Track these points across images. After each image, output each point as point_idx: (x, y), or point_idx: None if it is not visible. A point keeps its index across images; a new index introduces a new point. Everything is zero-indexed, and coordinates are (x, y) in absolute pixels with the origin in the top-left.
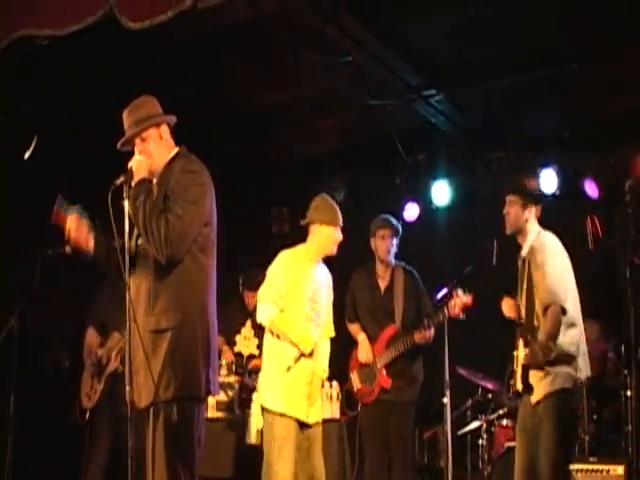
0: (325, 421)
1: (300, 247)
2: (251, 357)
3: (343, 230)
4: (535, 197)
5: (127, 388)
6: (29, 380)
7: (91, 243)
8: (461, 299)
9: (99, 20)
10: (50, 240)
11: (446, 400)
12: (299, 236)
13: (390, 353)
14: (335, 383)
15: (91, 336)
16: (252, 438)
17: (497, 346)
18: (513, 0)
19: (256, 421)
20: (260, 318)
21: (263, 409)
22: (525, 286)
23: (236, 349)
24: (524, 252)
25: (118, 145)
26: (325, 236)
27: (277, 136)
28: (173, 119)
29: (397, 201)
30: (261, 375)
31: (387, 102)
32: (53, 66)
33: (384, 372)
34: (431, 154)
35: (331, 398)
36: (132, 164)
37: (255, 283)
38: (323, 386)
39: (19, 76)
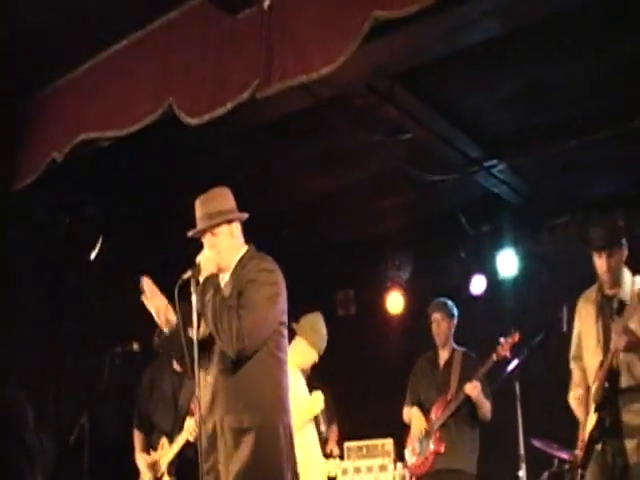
0: None
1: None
2: None
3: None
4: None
5: None
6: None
7: (171, 316)
8: (507, 339)
9: (159, 118)
10: (119, 338)
11: (522, 473)
12: (366, 319)
13: (444, 415)
14: (399, 464)
15: (138, 441)
16: None
17: (571, 413)
18: (571, 62)
19: None
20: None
21: None
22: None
23: None
24: (623, 297)
25: (188, 234)
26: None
27: (340, 218)
28: (245, 216)
29: (463, 275)
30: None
31: (448, 176)
32: (116, 165)
33: (437, 436)
34: (495, 225)
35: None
36: (200, 259)
37: None
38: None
39: (82, 178)
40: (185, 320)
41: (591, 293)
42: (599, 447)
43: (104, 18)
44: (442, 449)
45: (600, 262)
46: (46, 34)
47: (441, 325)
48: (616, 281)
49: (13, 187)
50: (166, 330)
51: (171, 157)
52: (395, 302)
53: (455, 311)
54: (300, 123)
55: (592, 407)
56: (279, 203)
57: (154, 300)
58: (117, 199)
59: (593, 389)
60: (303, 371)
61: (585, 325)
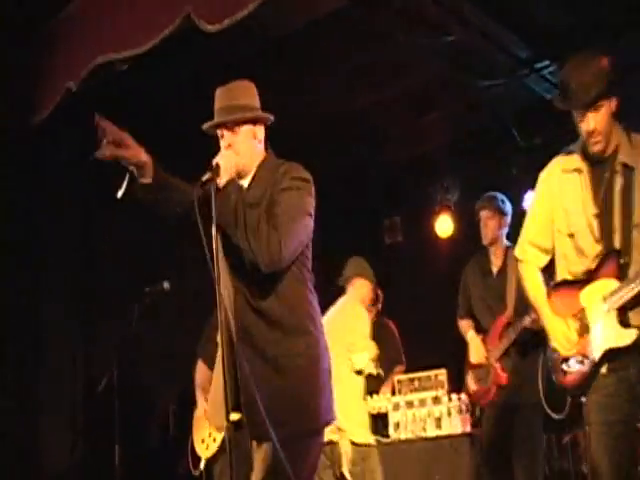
0: (457, 436)
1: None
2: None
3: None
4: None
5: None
6: (134, 429)
7: (148, 162)
8: None
9: (177, 29)
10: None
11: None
12: (414, 245)
13: (502, 344)
14: (463, 396)
15: (202, 372)
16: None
17: None
18: None
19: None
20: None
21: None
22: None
23: None
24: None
25: (204, 126)
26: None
27: (382, 137)
28: (270, 118)
29: (516, 193)
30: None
31: (497, 82)
32: (133, 93)
33: (498, 367)
34: (549, 136)
35: (460, 411)
36: (219, 160)
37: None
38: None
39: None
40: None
41: (568, 160)
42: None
43: None
44: (504, 381)
45: (584, 124)
46: None
47: (489, 224)
48: (609, 141)
49: (32, 121)
50: (145, 179)
51: (194, 77)
52: (444, 226)
53: (507, 207)
54: (331, 30)
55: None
56: (311, 122)
57: (123, 148)
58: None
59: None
60: (364, 304)
61: (565, 198)
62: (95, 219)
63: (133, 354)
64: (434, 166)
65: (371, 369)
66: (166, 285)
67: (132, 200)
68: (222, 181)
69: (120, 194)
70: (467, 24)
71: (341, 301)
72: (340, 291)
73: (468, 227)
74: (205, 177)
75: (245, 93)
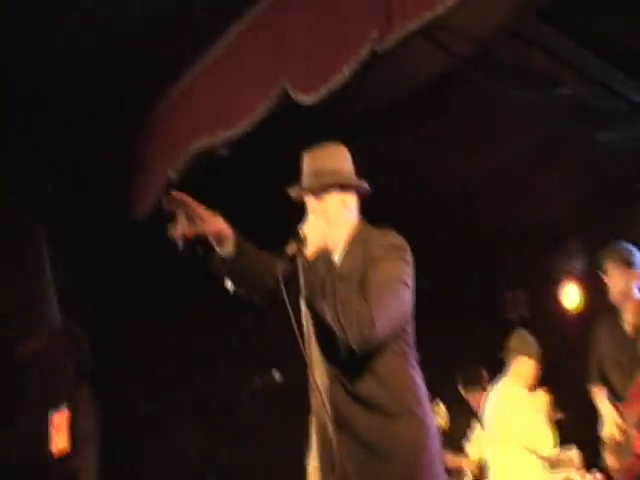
0: None
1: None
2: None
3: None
4: None
5: None
6: None
7: (229, 232)
8: None
9: (272, 105)
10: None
11: None
12: (540, 319)
13: None
14: (599, 475)
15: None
16: None
17: None
18: None
19: None
20: None
21: None
22: None
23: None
24: None
25: (290, 192)
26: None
27: (492, 206)
28: (365, 187)
29: None
30: None
31: (616, 134)
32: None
33: (638, 436)
34: None
35: None
36: (305, 229)
37: (478, 380)
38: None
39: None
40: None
41: None
42: None
43: (203, 18)
44: None
45: None
46: (147, 45)
47: (614, 278)
48: None
49: (136, 216)
50: (225, 251)
51: (289, 151)
52: (572, 296)
53: (637, 258)
54: (433, 92)
55: None
56: (416, 193)
57: (205, 222)
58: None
59: None
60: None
61: None
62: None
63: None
64: (555, 231)
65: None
66: (277, 375)
67: (214, 276)
68: (309, 253)
69: (230, 288)
70: (582, 74)
71: (502, 384)
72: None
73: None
74: (290, 249)
75: (334, 156)
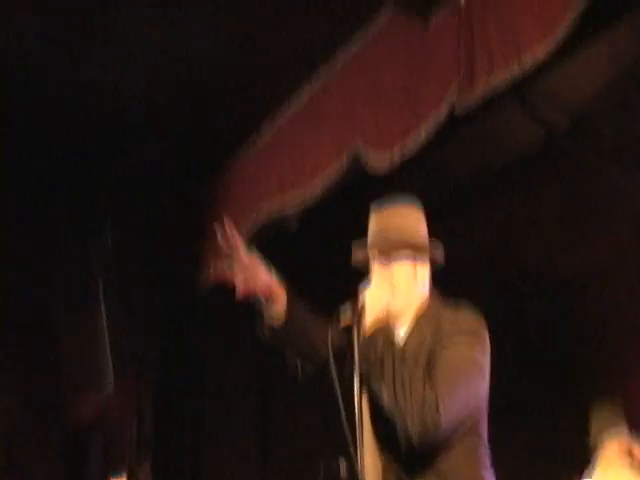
0: None
1: None
2: None
3: None
4: None
5: None
6: None
7: (280, 291)
8: None
9: (344, 170)
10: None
11: None
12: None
13: None
14: None
15: None
16: None
17: None
18: None
19: None
20: None
21: None
22: None
23: None
24: None
25: (354, 256)
26: None
27: (605, 301)
28: (441, 260)
29: None
30: None
31: None
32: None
33: None
34: None
35: None
36: (367, 295)
37: None
38: None
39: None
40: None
41: None
42: None
43: (275, 79)
44: None
45: None
46: (216, 108)
47: None
48: None
49: (202, 281)
50: (273, 316)
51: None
52: None
53: None
54: (527, 167)
55: None
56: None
57: (253, 270)
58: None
59: None
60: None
61: None
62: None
63: None
64: None
65: None
66: (343, 467)
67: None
68: (368, 325)
69: (299, 377)
70: None
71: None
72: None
73: None
74: (345, 318)
75: (408, 216)
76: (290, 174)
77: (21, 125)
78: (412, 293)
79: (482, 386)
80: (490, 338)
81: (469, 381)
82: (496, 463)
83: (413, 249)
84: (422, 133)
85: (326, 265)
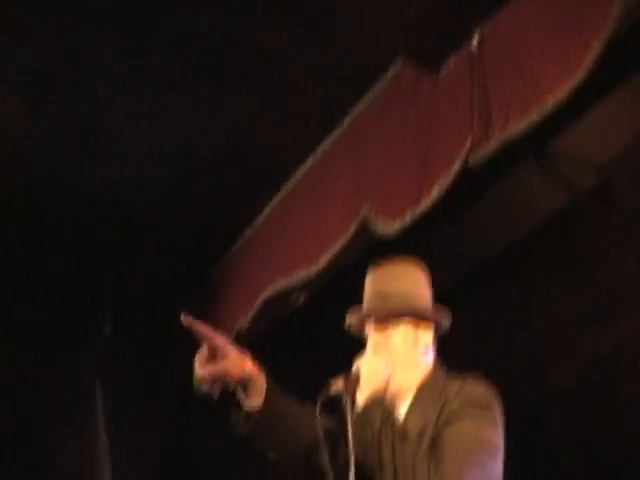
0: None
1: None
2: None
3: None
4: None
5: None
6: None
7: (258, 379)
8: None
9: (352, 238)
10: None
11: None
12: None
13: None
14: None
15: None
16: None
17: None
18: None
19: None
20: None
21: None
22: None
23: None
24: None
25: (348, 320)
26: None
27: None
28: (446, 324)
29: None
30: None
31: None
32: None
33: None
34: None
35: None
36: (361, 368)
37: None
38: None
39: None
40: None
41: None
42: None
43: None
44: None
45: None
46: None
47: None
48: None
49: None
50: (251, 405)
51: None
52: None
53: None
54: (552, 235)
55: None
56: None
57: (227, 360)
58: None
59: None
60: None
61: None
62: None
63: None
64: None
65: None
66: None
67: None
68: (362, 399)
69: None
70: None
71: None
72: None
73: None
74: (335, 387)
75: (408, 276)
76: (295, 256)
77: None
78: (413, 362)
79: (495, 468)
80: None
81: (480, 462)
82: None
83: (414, 318)
84: (433, 193)
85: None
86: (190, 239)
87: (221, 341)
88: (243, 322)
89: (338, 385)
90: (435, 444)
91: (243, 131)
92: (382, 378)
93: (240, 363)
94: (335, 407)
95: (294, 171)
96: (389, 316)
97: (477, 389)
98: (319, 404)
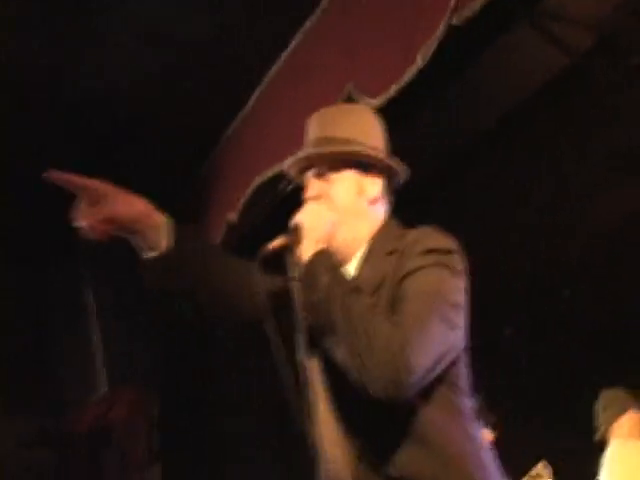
0: None
1: None
2: None
3: None
4: None
5: None
6: None
7: (158, 219)
8: None
9: None
10: None
11: None
12: None
13: None
14: None
15: None
16: None
17: None
18: None
19: None
20: None
21: None
22: None
23: None
24: None
25: (285, 164)
26: None
27: None
28: (400, 172)
29: None
30: None
31: None
32: None
33: None
34: None
35: None
36: (302, 218)
37: None
38: None
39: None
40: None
41: None
42: None
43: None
44: None
45: None
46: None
47: None
48: None
49: None
50: (156, 247)
51: None
52: None
53: None
54: (551, 98)
55: None
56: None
57: (115, 201)
58: None
59: None
60: None
61: None
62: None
63: None
64: None
65: None
66: None
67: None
68: (305, 251)
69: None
70: None
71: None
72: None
73: None
74: (276, 243)
75: (355, 119)
76: (283, 141)
77: None
78: (360, 214)
79: (458, 322)
80: None
81: (442, 318)
82: None
83: (360, 164)
84: (419, 61)
85: None
86: (175, 134)
87: (101, 185)
88: (233, 214)
89: (280, 240)
90: (394, 299)
91: (227, 17)
92: (326, 227)
93: (130, 201)
94: (276, 265)
95: (278, 57)
96: (331, 162)
97: (435, 236)
98: (258, 260)
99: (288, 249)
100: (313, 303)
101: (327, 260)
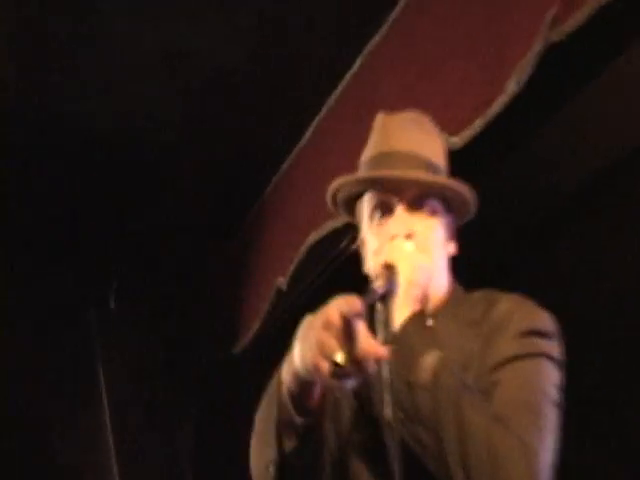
0: None
1: None
2: None
3: None
4: None
5: None
6: None
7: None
8: None
9: None
10: None
11: None
12: None
13: None
14: None
15: None
16: None
17: None
18: None
19: None
20: None
21: None
22: None
23: None
24: None
25: (339, 185)
26: None
27: None
28: (472, 212)
29: None
30: None
31: None
32: None
33: None
34: None
35: None
36: (397, 263)
37: None
38: None
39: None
40: None
41: None
42: None
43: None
44: None
45: None
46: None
47: None
48: None
49: (235, 348)
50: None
51: None
52: None
53: None
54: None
55: None
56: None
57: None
58: None
59: None
60: None
61: None
62: None
63: None
64: None
65: None
66: None
67: None
68: (400, 309)
69: None
70: None
71: None
72: None
73: None
74: (371, 296)
75: (432, 142)
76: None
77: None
78: (445, 269)
79: (555, 419)
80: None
81: (550, 421)
82: None
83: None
84: (511, 88)
85: None
86: (213, 185)
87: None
88: (282, 279)
89: (376, 291)
90: (485, 389)
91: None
92: (424, 282)
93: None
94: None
95: (329, 92)
96: (422, 192)
97: (533, 312)
98: (366, 305)
99: (384, 299)
100: (410, 384)
101: (428, 334)
